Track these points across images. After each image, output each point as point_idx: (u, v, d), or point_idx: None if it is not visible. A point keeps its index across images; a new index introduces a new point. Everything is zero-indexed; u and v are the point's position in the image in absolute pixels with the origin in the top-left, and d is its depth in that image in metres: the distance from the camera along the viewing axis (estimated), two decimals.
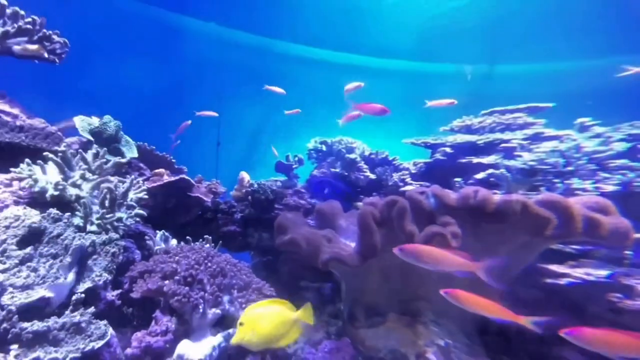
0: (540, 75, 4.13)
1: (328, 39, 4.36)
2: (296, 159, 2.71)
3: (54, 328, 0.94)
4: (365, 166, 2.53)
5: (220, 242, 2.18)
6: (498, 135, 1.88)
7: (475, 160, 1.83)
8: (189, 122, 3.00)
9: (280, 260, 2.53)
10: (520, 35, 3.81)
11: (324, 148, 2.67)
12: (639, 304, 1.21)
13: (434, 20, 3.79)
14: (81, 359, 0.92)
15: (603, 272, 1.27)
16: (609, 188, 1.43)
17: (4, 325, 0.88)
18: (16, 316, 0.91)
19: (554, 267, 1.36)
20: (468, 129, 2.22)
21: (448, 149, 2.02)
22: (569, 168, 1.52)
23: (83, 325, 1.00)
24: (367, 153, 2.56)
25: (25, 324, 0.90)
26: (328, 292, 2.25)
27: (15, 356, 0.85)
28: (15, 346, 0.88)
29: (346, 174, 2.53)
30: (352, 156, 2.51)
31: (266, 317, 1.07)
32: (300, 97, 3.16)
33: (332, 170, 2.60)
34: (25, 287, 1.07)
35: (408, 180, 2.21)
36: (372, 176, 2.46)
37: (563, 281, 1.30)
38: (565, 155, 1.55)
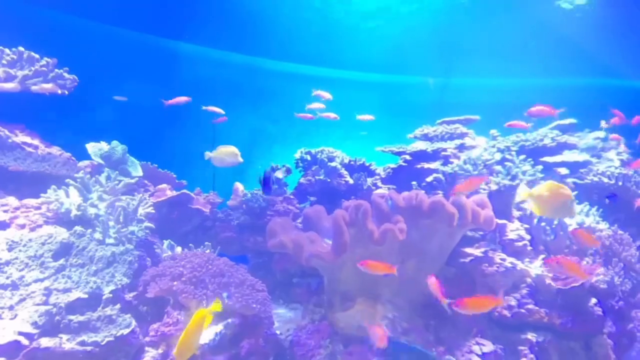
0: (485, 89, 4.63)
1: (311, 55, 4.73)
2: (284, 169, 3.00)
3: (93, 319, 1.24)
4: (345, 172, 2.83)
5: (219, 247, 2.47)
6: (440, 145, 2.24)
7: (426, 165, 2.18)
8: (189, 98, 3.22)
9: (273, 260, 2.83)
10: (468, 55, 4.29)
11: (308, 158, 2.96)
12: (493, 269, 1.69)
13: (402, 38, 4.21)
14: (115, 342, 1.22)
15: (482, 249, 1.65)
16: (493, 187, 1.82)
17: (57, 317, 1.18)
18: (64, 311, 1.21)
19: (467, 249, 1.72)
20: (426, 137, 2.56)
21: (407, 156, 2.35)
22: (475, 172, 1.90)
23: (114, 317, 1.30)
24: (346, 161, 2.86)
25: (72, 317, 1.21)
26: (315, 287, 2.55)
27: (67, 339, 1.15)
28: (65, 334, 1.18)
29: (329, 180, 2.82)
30: (333, 164, 2.80)
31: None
32: (288, 110, 3.45)
33: (317, 177, 2.89)
34: (65, 291, 1.38)
35: (379, 184, 2.52)
36: (352, 181, 2.75)
37: (468, 259, 1.65)
38: (474, 162, 1.93)
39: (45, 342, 1.11)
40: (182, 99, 3.01)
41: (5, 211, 1.82)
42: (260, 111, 3.38)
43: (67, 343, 1.13)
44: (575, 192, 1.96)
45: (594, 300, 1.67)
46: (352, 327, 1.72)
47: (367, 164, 2.89)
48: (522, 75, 4.44)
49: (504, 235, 1.87)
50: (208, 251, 2.19)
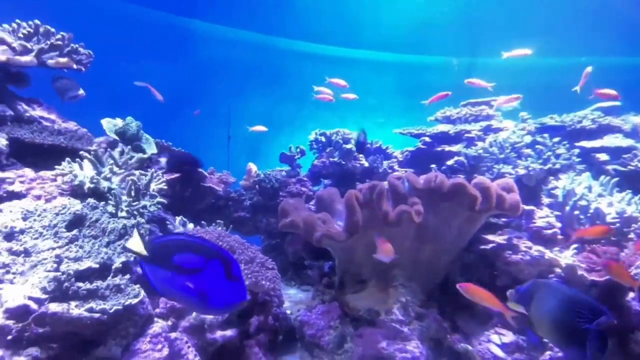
0: (513, 69, 4.31)
1: (327, 34, 4.57)
2: (298, 150, 2.95)
3: (101, 287, 1.24)
4: (361, 155, 2.75)
5: (232, 226, 2.46)
6: (463, 127, 2.10)
7: (447, 148, 2.06)
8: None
9: (286, 242, 2.81)
10: (496, 32, 4.00)
11: (323, 139, 2.90)
12: (518, 258, 1.57)
13: (423, 15, 3.98)
14: (122, 310, 1.22)
15: (506, 236, 1.55)
16: (521, 172, 1.70)
17: (66, 284, 1.18)
18: (73, 278, 1.21)
19: (488, 236, 1.62)
20: (448, 119, 2.43)
21: (427, 139, 2.24)
22: (502, 155, 1.77)
23: (122, 287, 1.29)
24: None
25: (80, 284, 1.20)
26: (327, 269, 2.52)
27: (76, 306, 1.15)
28: (74, 301, 1.18)
29: (343, 162, 2.76)
30: (348, 146, 2.73)
31: None
32: (302, 91, 3.37)
33: (331, 159, 2.83)
34: (76, 259, 1.38)
35: (396, 167, 2.44)
36: (367, 164, 2.68)
37: (489, 246, 1.56)
38: (501, 145, 1.79)
39: (54, 307, 1.11)
40: None
41: (22, 182, 1.84)
42: (274, 92, 3.31)
43: (76, 309, 1.13)
44: (616, 179, 1.81)
45: (631, 295, 1.55)
46: (362, 309, 1.68)
47: (384, 147, 2.81)
48: (557, 54, 4.11)
49: (532, 222, 1.75)
50: (219, 229, 2.17)
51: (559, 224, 1.74)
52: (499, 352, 1.50)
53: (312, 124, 3.08)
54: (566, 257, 1.61)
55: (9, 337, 1.04)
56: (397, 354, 1.49)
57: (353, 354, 1.61)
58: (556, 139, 1.95)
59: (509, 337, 1.56)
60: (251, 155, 3.25)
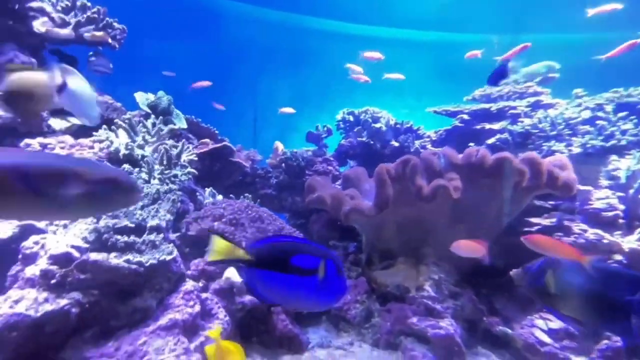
0: (561, 46, 3.97)
1: (357, 13, 4.43)
2: (325, 129, 2.92)
3: (138, 242, 1.26)
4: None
5: (259, 200, 2.47)
6: (507, 103, 1.97)
7: (487, 126, 1.94)
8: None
9: (311, 221, 2.80)
10: (541, 6, 3.70)
11: (351, 119, 2.85)
12: (570, 240, 1.46)
13: None
14: (157, 265, 1.23)
15: (553, 219, 1.44)
16: (575, 150, 1.56)
17: (105, 235, 1.21)
18: (112, 231, 1.23)
19: (533, 219, 1.52)
20: (487, 98, 2.30)
21: (465, 116, 2.13)
22: (553, 132, 1.63)
23: (157, 243, 1.31)
24: (392, 123, 2.71)
25: (118, 236, 1.23)
26: (353, 249, 2.49)
27: (115, 256, 1.17)
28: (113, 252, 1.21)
29: (372, 142, 2.70)
30: (377, 125, 2.67)
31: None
32: (330, 71, 3.31)
33: (359, 139, 2.78)
34: (113, 217, 1.41)
35: (428, 146, 2.35)
36: (396, 144, 2.61)
37: (534, 228, 1.46)
38: (552, 121, 1.66)
39: (95, 256, 1.14)
40: None
41: (62, 147, 1.90)
42: (301, 71, 3.27)
43: (114, 259, 1.16)
44: None
45: None
46: (391, 285, 1.63)
47: (415, 128, 2.73)
48: (615, 27, 3.68)
49: (588, 204, 1.58)
50: (247, 201, 2.18)
51: (621, 206, 1.55)
52: (545, 338, 1.38)
53: (340, 104, 3.03)
54: (630, 241, 1.45)
55: (53, 281, 1.07)
56: (429, 329, 1.45)
57: (380, 329, 1.58)
58: (622, 114, 1.72)
59: (556, 322, 1.43)
60: (278, 135, 3.24)
